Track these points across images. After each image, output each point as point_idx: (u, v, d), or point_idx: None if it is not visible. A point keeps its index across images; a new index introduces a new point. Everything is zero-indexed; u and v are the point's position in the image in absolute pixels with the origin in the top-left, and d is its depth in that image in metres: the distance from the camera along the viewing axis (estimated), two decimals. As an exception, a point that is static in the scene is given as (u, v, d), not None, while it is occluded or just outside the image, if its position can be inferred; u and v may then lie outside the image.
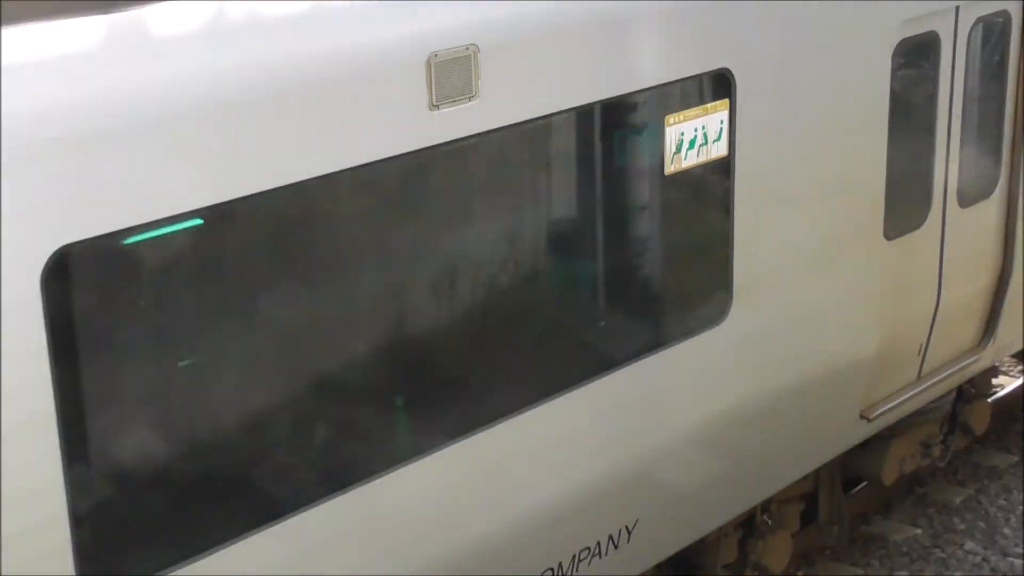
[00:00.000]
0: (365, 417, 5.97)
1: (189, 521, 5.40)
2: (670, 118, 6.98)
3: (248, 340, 5.47)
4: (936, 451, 10.39)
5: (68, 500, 5.01)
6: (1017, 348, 10.36)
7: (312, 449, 5.78)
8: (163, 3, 5.16)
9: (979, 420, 10.89)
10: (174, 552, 5.34)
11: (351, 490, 5.88)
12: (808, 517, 9.83)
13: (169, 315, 5.22)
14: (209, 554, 5.41)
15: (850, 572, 9.98)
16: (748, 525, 9.09)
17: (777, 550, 9.24)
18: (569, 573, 7.13)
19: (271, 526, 5.61)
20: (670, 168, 7.06)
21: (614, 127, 6.78)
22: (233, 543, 5.49)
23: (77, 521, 5.04)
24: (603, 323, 7.04)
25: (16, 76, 4.73)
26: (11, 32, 4.78)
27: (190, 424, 5.36)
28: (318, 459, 5.80)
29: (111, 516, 5.21)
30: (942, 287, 9.28)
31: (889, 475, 10.04)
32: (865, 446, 9.71)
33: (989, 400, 11.16)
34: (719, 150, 7.29)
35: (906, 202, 8.76)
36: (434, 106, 5.89)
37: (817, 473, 9.56)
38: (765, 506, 9.09)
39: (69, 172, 4.82)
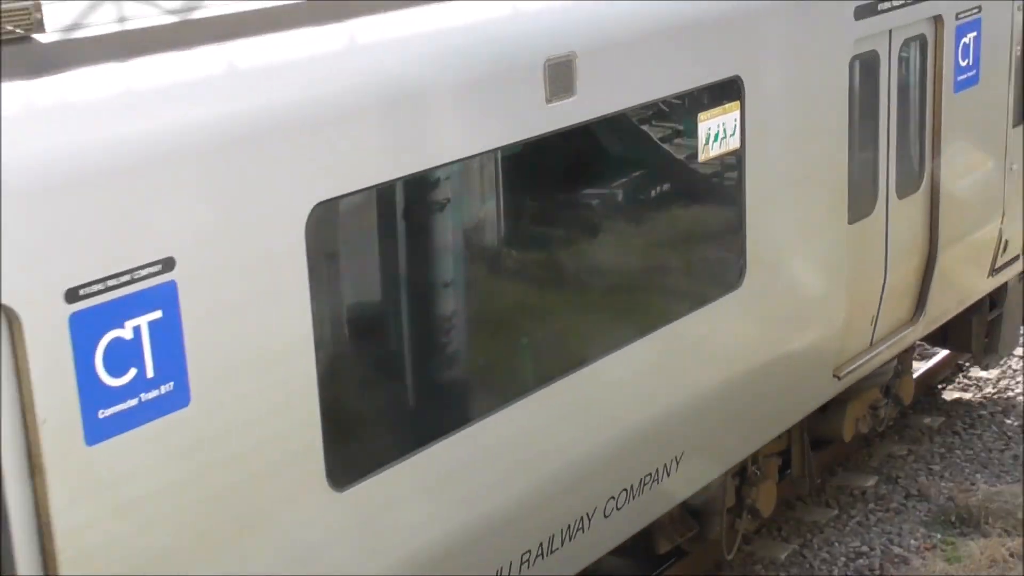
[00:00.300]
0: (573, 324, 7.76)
1: (419, 416, 6.82)
2: (702, 115, 8.58)
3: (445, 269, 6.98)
4: (881, 413, 12.11)
5: (320, 406, 6.33)
6: (942, 322, 12.14)
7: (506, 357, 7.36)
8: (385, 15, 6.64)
9: (906, 392, 12.66)
10: (404, 443, 6.74)
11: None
12: (782, 472, 11.44)
13: (392, 253, 6.65)
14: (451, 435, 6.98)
15: (823, 514, 11.57)
16: (742, 475, 10.64)
17: (767, 496, 10.83)
18: (638, 494, 8.60)
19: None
20: (702, 156, 8.65)
21: (666, 120, 8.36)
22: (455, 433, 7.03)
23: (327, 421, 6.37)
24: (660, 282, 8.62)
25: (281, 78, 6.13)
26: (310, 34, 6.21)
27: (410, 335, 6.78)
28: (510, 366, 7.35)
29: (354, 417, 6.56)
30: (888, 266, 11.01)
31: (848, 433, 11.73)
32: (825, 410, 11.37)
33: (914, 376, 13.00)
34: (734, 143, 8.91)
35: (860, 192, 10.48)
36: (549, 100, 7.40)
37: (790, 433, 11.16)
38: (754, 459, 10.65)
39: (322, 147, 6.21)
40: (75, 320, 5.33)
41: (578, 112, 7.60)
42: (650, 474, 8.69)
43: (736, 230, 9.06)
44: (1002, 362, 14.32)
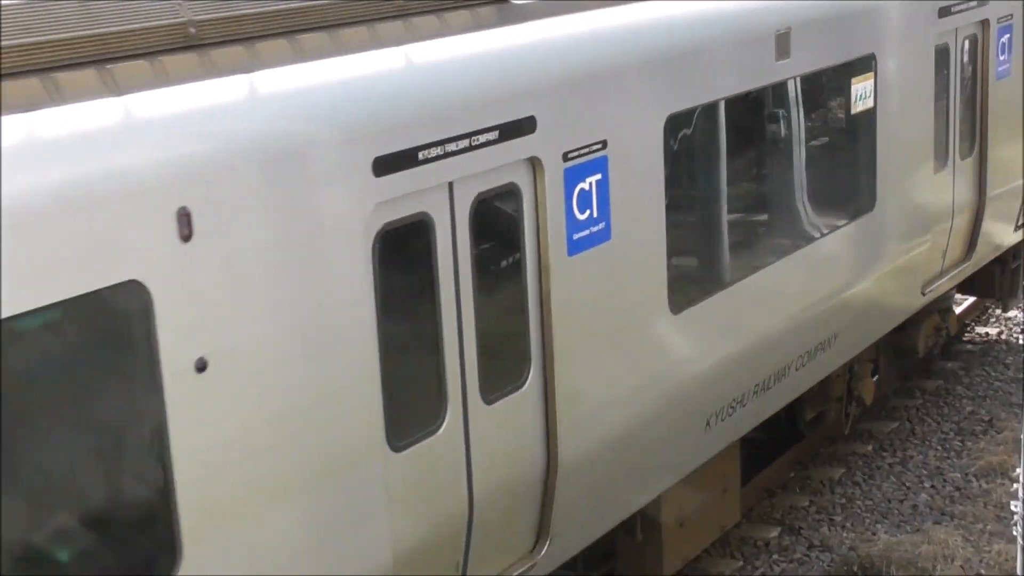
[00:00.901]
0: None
1: (725, 265, 10.00)
2: (853, 79, 11.80)
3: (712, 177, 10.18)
4: (943, 335, 15.37)
5: (667, 253, 9.38)
6: (985, 263, 15.43)
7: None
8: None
9: (953, 324, 15.95)
10: (716, 282, 9.91)
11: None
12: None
13: (712, 146, 9.84)
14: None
15: (728, 565, 12.15)
16: (850, 372, 13.78)
17: (868, 389, 14.01)
18: (814, 356, 11.72)
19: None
20: (853, 110, 11.86)
21: (836, 80, 11.57)
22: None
23: (670, 266, 9.43)
24: (837, 194, 11.84)
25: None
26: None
27: (722, 205, 9.98)
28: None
29: (684, 260, 9.66)
30: (954, 211, 14.27)
31: (922, 347, 14.96)
32: (902, 329, 14.57)
33: (958, 312, 16.36)
34: (870, 103, 12.13)
35: (939, 151, 13.75)
36: (776, 59, 10.55)
37: (877, 345, 14.34)
38: (856, 360, 13.78)
39: (672, 74, 9.32)
40: (567, 173, 8.37)
41: (792, 69, 10.77)
42: (822, 342, 11.82)
43: (873, 167, 12.27)
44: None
